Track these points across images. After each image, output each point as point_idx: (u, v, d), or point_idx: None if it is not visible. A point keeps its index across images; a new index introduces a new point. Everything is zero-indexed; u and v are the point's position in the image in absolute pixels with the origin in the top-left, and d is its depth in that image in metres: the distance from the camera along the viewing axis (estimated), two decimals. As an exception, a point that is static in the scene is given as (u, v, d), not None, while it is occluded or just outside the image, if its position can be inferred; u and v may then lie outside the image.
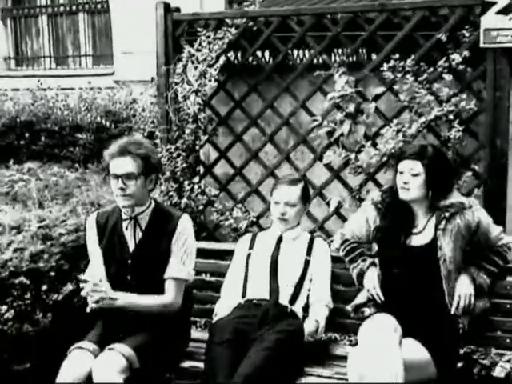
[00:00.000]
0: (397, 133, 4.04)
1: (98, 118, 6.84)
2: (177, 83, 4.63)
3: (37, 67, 9.92)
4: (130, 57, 8.35)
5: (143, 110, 6.27)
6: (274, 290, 3.30)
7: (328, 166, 4.47)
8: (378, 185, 4.36)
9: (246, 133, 4.84)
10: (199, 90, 4.52)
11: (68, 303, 3.87)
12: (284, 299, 3.28)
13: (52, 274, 3.63)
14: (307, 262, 3.41)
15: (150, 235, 3.03)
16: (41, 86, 7.65)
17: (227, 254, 3.71)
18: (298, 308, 3.30)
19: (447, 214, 3.05)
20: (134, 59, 8.09)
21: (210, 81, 4.48)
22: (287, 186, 3.46)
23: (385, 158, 4.09)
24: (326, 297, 3.36)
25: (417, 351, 2.85)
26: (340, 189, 4.62)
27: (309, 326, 3.18)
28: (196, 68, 4.60)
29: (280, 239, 3.48)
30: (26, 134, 7.03)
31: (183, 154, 4.64)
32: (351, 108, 4.19)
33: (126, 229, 3.05)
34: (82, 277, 2.97)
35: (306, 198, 3.49)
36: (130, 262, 3.03)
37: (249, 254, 3.50)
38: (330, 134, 4.39)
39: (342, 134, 4.29)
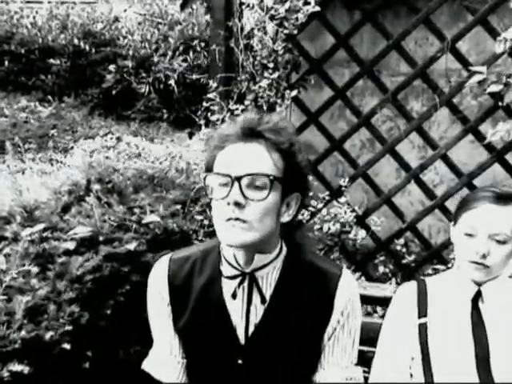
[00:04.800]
0: None
1: (75, 40, 6.11)
2: (248, 6, 3.08)
3: (-7, -26, 8.72)
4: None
5: (129, 32, 5.89)
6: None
7: (488, 146, 3.06)
8: None
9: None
10: (287, 18, 2.99)
11: None
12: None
13: (66, 345, 2.22)
14: (533, 340, 2.08)
15: (280, 312, 1.74)
16: (1, -2, 6.78)
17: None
18: None
19: None
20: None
21: (307, 3, 2.94)
22: (494, 206, 2.08)
23: None
24: None
25: None
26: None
27: None
28: (277, -17, 3.07)
29: (477, 296, 2.10)
30: (-15, 57, 6.24)
31: None
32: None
33: (234, 297, 1.73)
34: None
35: None
36: (240, 362, 1.75)
37: (423, 326, 2.15)
38: (495, 96, 2.94)
39: (519, 97, 2.86)
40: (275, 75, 3.18)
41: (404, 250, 3.37)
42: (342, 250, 3.34)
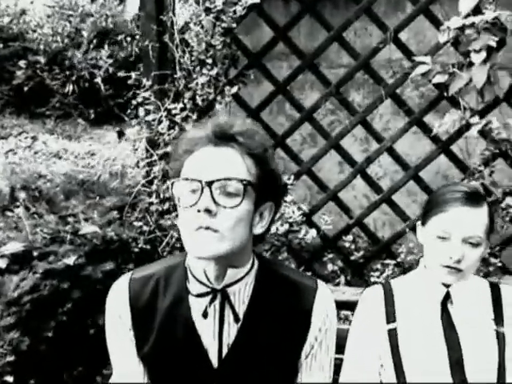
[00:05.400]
0: None
1: (-21, 35, 5.62)
2: (182, -1, 2.96)
3: None
4: None
5: (39, 25, 5.56)
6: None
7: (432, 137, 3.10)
8: None
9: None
10: (224, 10, 2.86)
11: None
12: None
13: (8, 378, 2.07)
14: (501, 337, 2.03)
15: (255, 330, 1.63)
16: None
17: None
18: None
19: None
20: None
21: (247, -6, 2.86)
22: (466, 209, 2.01)
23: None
24: None
25: None
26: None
27: None
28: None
29: (446, 298, 2.07)
30: None
31: (193, 116, 3.02)
32: (491, 43, 2.70)
33: (205, 316, 1.61)
34: None
35: (491, 229, 2.04)
36: None
37: (392, 332, 2.09)
38: (440, 86, 2.97)
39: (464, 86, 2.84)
40: (214, 71, 3.04)
41: (352, 246, 3.31)
42: (290, 250, 3.25)
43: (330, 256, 3.30)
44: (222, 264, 1.53)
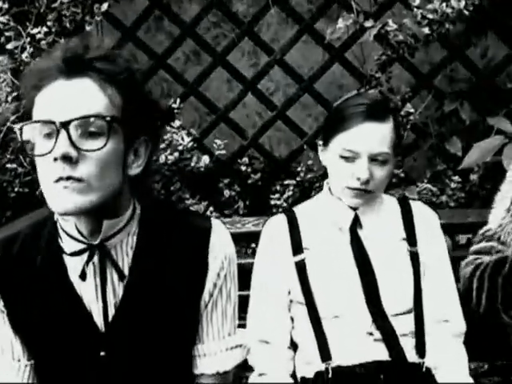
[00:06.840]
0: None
1: None
2: None
3: None
4: None
5: None
6: (389, 332, 1.87)
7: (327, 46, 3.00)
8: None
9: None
10: None
11: None
12: (405, 346, 1.89)
13: None
14: (414, 257, 1.98)
15: (144, 285, 1.48)
16: None
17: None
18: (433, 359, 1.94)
19: None
20: None
21: None
22: (370, 125, 1.90)
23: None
24: (457, 319, 2.00)
25: None
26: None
27: None
28: None
29: (354, 222, 1.98)
30: None
31: (61, 40, 2.83)
32: None
33: (83, 278, 1.43)
34: None
35: (399, 144, 2.01)
36: (103, 353, 1.48)
37: (300, 263, 1.98)
38: None
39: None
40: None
41: (249, 169, 3.17)
42: (182, 180, 3.07)
43: (226, 181, 3.15)
44: (95, 216, 1.35)
